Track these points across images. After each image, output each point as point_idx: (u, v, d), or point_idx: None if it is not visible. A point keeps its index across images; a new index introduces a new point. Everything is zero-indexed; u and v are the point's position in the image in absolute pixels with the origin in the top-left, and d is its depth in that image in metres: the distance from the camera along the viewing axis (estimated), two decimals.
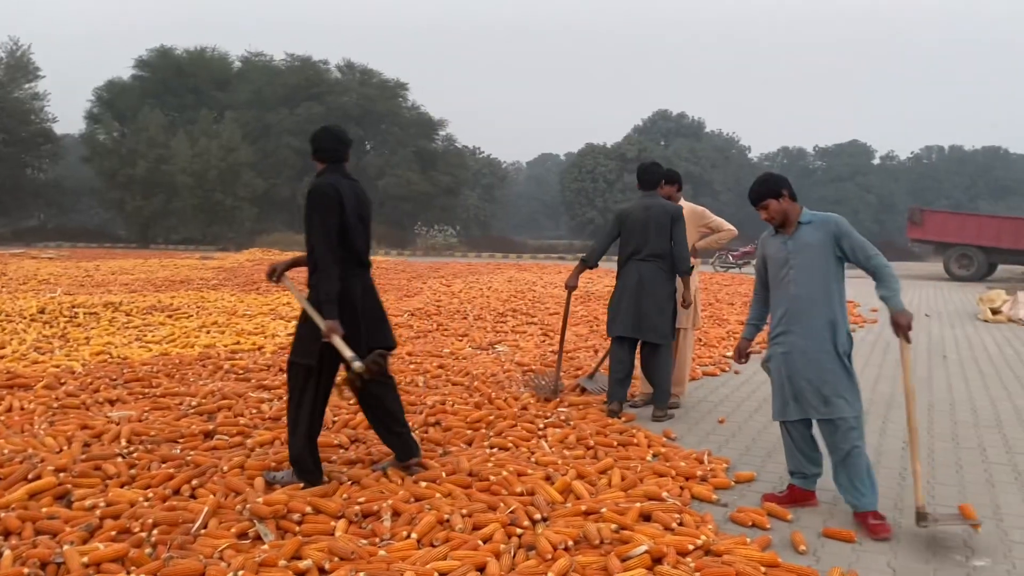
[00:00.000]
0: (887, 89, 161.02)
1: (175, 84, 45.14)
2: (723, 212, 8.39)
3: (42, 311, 9.95)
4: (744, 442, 5.28)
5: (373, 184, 43.32)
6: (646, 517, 3.72)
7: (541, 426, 5.23)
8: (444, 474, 4.17)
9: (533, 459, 4.54)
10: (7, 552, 3.12)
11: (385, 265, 22.28)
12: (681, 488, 4.16)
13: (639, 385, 6.24)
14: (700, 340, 9.07)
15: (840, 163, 57.45)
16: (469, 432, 5.07)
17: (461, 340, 8.82)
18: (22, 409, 5.41)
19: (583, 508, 3.73)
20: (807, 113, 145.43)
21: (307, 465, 4.01)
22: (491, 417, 5.37)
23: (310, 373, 3.95)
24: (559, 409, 5.71)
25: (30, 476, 3.95)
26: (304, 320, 4.00)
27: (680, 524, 3.63)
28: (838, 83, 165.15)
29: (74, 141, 49.74)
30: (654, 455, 4.80)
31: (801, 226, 3.90)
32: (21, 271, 17.31)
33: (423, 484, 4.00)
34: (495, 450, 4.71)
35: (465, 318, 10.61)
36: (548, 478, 4.19)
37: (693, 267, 5.85)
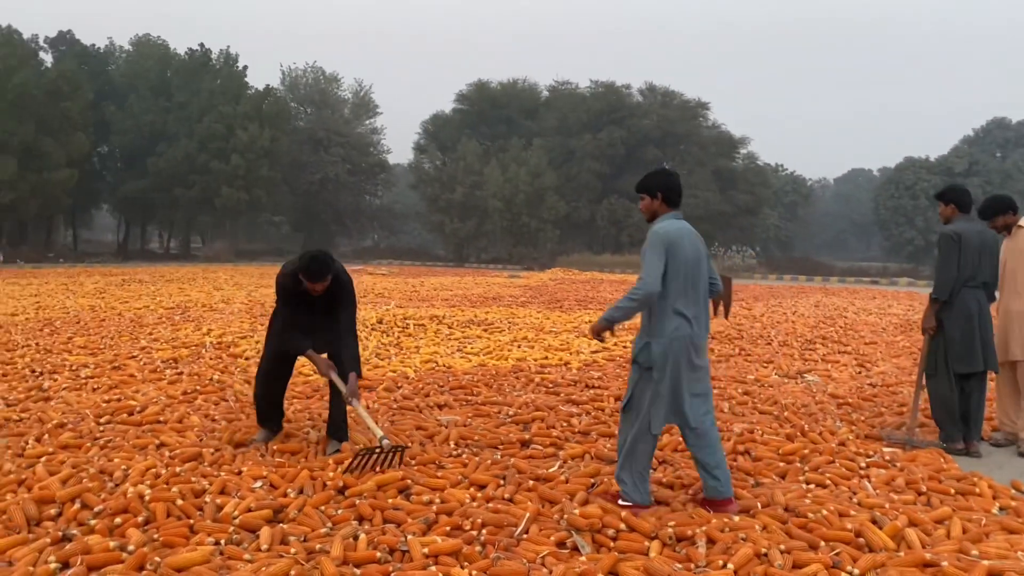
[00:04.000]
0: None
1: (490, 115, 48.92)
2: None
3: (380, 321, 11.23)
4: None
5: None
6: None
7: (863, 465, 4.84)
8: (759, 505, 4.03)
9: (855, 499, 4.23)
10: (362, 536, 3.55)
11: None
12: None
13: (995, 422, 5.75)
14: None
15: None
16: (782, 464, 4.83)
17: (766, 367, 8.47)
18: (367, 408, 6.13)
19: (924, 558, 3.38)
20: None
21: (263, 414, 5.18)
22: (805, 451, 5.07)
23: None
24: (884, 449, 5.26)
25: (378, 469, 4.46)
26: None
27: None
28: None
29: (403, 170, 55.81)
30: (1001, 508, 4.24)
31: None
32: (361, 285, 19.70)
33: (735, 516, 3.89)
34: (812, 486, 4.45)
35: (769, 344, 10.18)
36: (874, 521, 3.87)
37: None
